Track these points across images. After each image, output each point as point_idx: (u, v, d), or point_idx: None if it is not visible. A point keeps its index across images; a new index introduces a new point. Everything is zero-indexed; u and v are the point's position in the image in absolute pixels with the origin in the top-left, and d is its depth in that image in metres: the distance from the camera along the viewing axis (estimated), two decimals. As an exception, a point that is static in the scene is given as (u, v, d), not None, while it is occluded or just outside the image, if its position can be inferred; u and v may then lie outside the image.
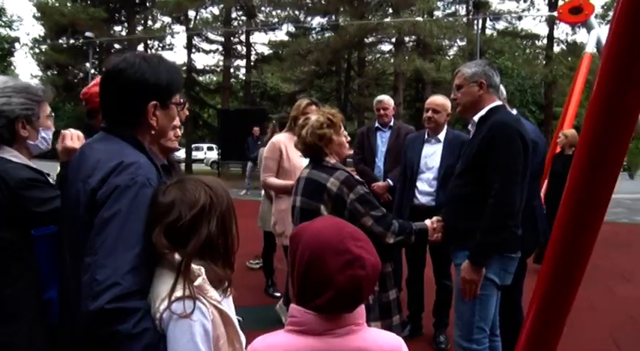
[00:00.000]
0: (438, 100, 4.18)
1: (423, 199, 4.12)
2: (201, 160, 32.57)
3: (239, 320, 1.55)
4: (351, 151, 3.00)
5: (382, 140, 5.12)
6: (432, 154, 4.16)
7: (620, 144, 0.95)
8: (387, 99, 5.26)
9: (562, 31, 25.13)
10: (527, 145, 2.55)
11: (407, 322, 4.31)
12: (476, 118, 2.77)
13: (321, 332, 1.29)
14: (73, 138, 2.01)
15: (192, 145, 28.75)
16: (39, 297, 1.79)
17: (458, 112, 2.96)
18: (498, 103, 2.76)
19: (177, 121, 1.95)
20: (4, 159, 1.86)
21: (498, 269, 2.63)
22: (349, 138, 2.85)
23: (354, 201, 2.53)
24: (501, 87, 3.34)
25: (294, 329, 1.32)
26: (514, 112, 3.36)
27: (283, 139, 4.15)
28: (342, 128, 2.80)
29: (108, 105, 1.63)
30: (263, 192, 5.30)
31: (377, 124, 5.20)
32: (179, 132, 2.22)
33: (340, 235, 1.33)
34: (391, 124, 5.14)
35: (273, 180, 4.11)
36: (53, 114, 2.10)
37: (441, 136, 4.17)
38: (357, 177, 2.69)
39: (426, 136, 4.24)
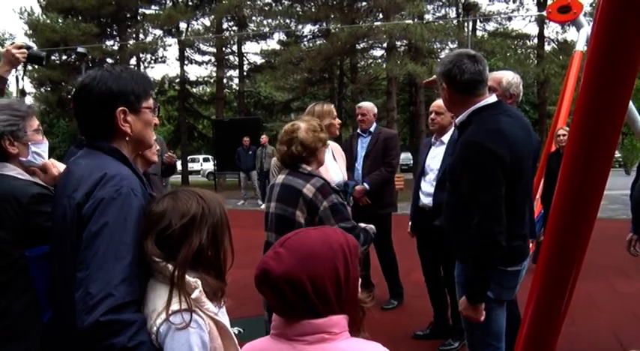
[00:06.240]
0: (440, 102, 3.90)
1: (425, 200, 4.23)
2: (197, 172, 32.53)
3: (239, 331, 1.54)
4: None
5: (362, 145, 5.25)
6: (435, 156, 4.20)
7: (608, 140, 0.96)
8: (365, 105, 5.36)
9: (552, 30, 25.23)
10: (503, 161, 2.25)
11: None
12: (457, 121, 2.52)
13: (291, 338, 1.24)
14: (55, 165, 1.98)
15: (188, 157, 28.73)
16: (40, 316, 1.75)
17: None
18: (480, 104, 2.41)
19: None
20: (11, 177, 1.85)
21: (492, 283, 2.43)
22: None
23: (327, 209, 2.57)
24: (495, 75, 3.35)
25: (273, 333, 1.29)
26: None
27: None
28: None
29: (82, 121, 1.65)
30: None
31: (358, 130, 5.38)
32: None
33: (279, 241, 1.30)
34: (371, 129, 5.25)
35: None
36: (41, 128, 2.03)
37: (445, 138, 4.17)
38: (333, 186, 2.72)
39: (433, 139, 4.29)
